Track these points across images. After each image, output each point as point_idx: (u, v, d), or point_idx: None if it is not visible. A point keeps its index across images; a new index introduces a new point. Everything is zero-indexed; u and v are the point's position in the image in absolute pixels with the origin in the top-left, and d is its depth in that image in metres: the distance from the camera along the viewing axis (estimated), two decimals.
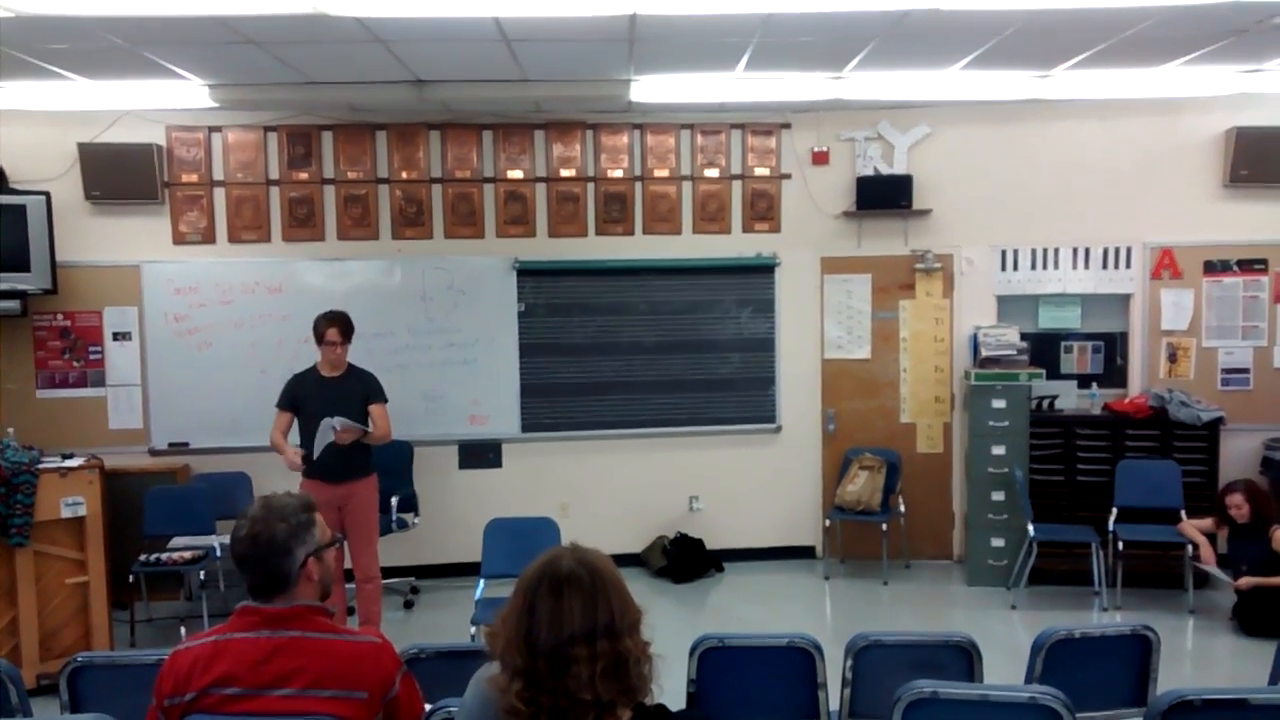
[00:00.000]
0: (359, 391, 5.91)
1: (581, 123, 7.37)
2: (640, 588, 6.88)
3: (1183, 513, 6.71)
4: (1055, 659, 3.46)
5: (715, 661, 3.38)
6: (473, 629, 5.33)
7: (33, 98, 6.21)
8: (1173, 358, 7.55)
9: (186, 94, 6.24)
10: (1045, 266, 7.56)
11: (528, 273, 7.34)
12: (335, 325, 5.81)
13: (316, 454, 5.66)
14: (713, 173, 7.50)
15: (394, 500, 6.87)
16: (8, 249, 6.53)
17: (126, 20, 4.68)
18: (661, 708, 2.11)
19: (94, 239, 7.04)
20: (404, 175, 7.30)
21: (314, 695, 2.41)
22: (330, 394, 5.80)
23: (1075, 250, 7.54)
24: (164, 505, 6.49)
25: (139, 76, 5.88)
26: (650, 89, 6.41)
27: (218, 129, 7.12)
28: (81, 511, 5.51)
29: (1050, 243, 7.54)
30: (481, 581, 5.55)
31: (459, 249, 7.34)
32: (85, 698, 3.24)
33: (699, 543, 7.48)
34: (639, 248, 7.47)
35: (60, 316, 7.05)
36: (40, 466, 5.43)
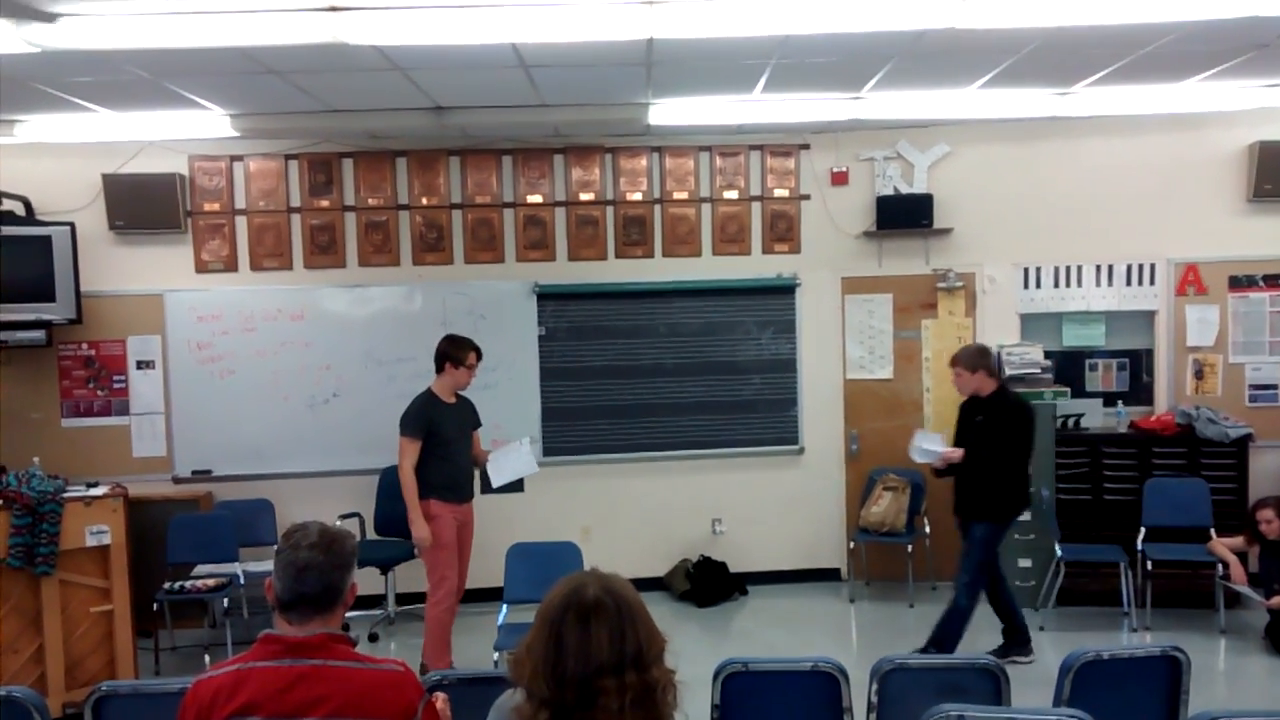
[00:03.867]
0: (472, 418, 6.05)
1: (600, 146, 7.39)
2: (663, 612, 6.85)
3: (1212, 531, 6.63)
4: (1084, 681, 3.41)
5: (739, 687, 3.34)
6: (495, 655, 5.30)
7: (58, 130, 6.28)
8: (1199, 374, 7.47)
9: (208, 124, 6.30)
10: (1068, 284, 7.51)
11: (548, 296, 7.36)
12: (476, 350, 5.92)
13: (504, 481, 5.92)
14: (732, 194, 7.50)
15: None
16: (33, 279, 6.59)
17: (149, 53, 4.73)
18: None
19: (118, 269, 7.10)
20: (424, 201, 7.34)
21: None
22: (456, 419, 5.90)
23: (1099, 267, 7.50)
24: (187, 533, 6.50)
25: (162, 107, 5.95)
26: (668, 112, 6.43)
27: (239, 158, 7.19)
28: (106, 540, 5.54)
29: (1073, 260, 7.50)
30: (504, 607, 5.53)
31: (479, 274, 7.37)
32: None
33: (722, 566, 7.44)
34: (659, 270, 7.48)
35: (85, 346, 7.11)
36: (65, 495, 5.45)
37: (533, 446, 5.90)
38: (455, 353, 5.88)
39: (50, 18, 4.17)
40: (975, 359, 5.85)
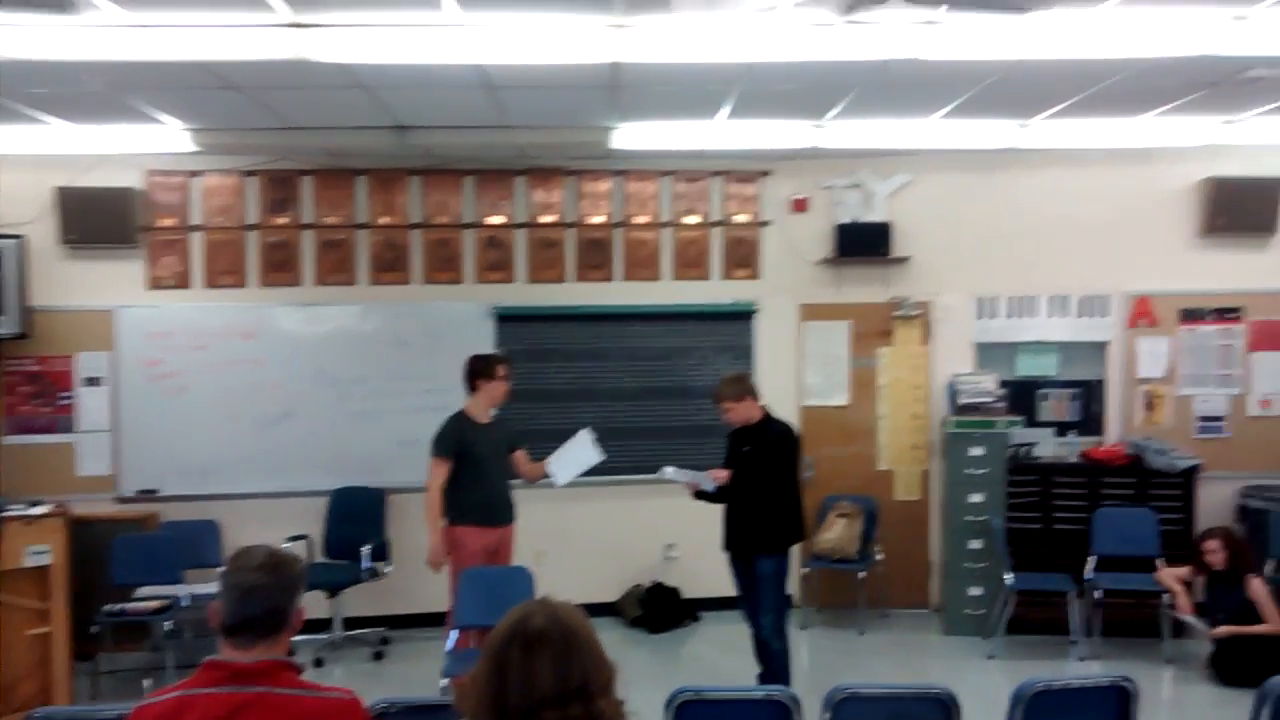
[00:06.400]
0: (507, 437, 5.95)
1: (562, 169, 7.39)
2: (615, 638, 6.81)
3: (1159, 561, 6.70)
4: (1035, 711, 3.43)
5: (692, 715, 3.33)
6: (443, 682, 5.24)
7: (10, 141, 6.19)
8: (1149, 405, 7.58)
9: (166, 138, 6.24)
10: (1023, 314, 7.60)
11: (506, 318, 7.33)
12: (504, 360, 5.86)
13: (570, 477, 5.92)
14: (693, 219, 7.52)
15: (365, 549, 6.78)
16: None
17: (107, 65, 4.68)
18: None
19: (68, 283, 6.98)
20: (383, 220, 7.29)
21: None
22: (491, 439, 5.81)
23: (1053, 298, 7.59)
24: (131, 554, 6.38)
25: (119, 120, 5.88)
26: (632, 136, 6.45)
27: (198, 173, 7.10)
28: (46, 560, 5.41)
29: (1028, 290, 7.59)
30: (453, 633, 5.47)
31: (437, 294, 7.33)
32: None
33: (674, 591, 7.42)
34: (619, 294, 7.47)
35: (31, 361, 6.97)
36: (5, 514, 5.34)
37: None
38: (483, 367, 5.82)
39: None
40: (735, 387, 5.57)
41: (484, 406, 5.83)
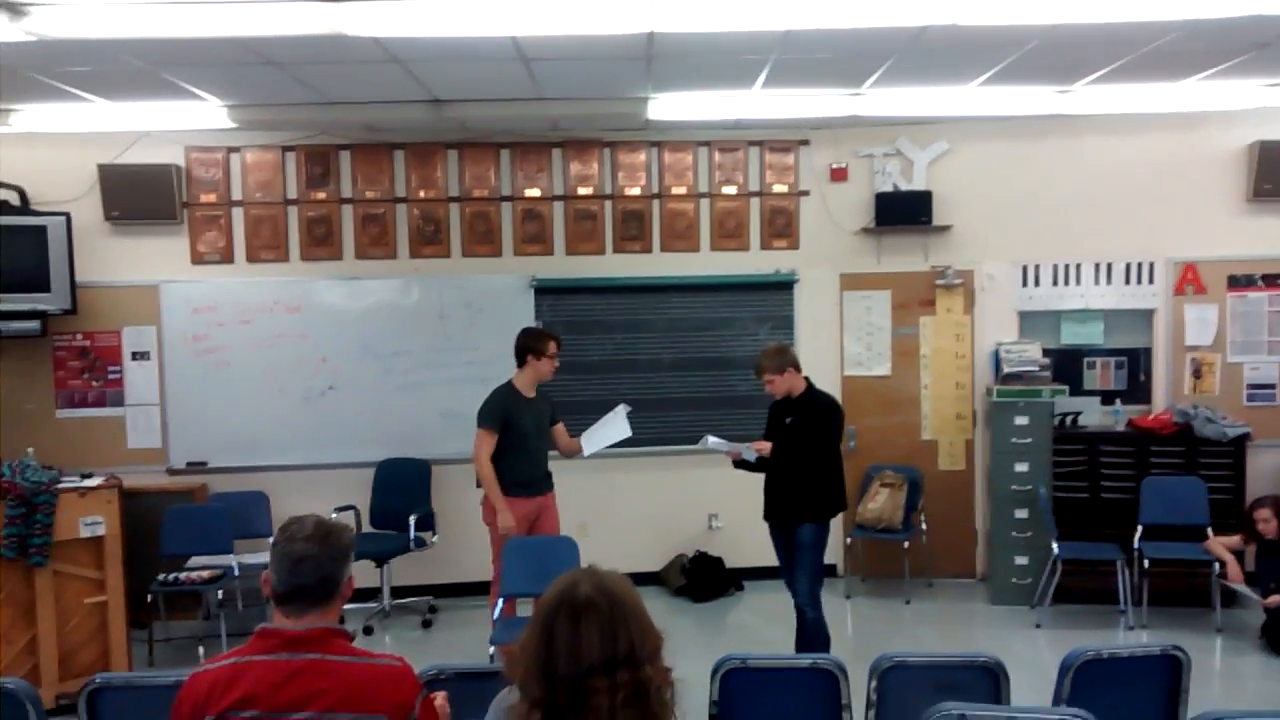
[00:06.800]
0: (549, 411, 5.98)
1: (599, 141, 7.37)
2: (659, 607, 6.84)
3: (1209, 530, 6.63)
4: (1083, 680, 3.39)
5: (738, 683, 3.33)
6: (491, 649, 5.29)
7: (54, 120, 6.24)
8: (1197, 373, 7.47)
9: (205, 115, 6.26)
10: (1067, 282, 7.50)
11: (545, 291, 7.34)
12: (556, 339, 5.88)
13: (596, 449, 5.93)
14: (731, 190, 7.48)
15: (412, 519, 6.85)
16: (28, 270, 6.57)
17: (147, 42, 4.70)
18: None
19: (113, 259, 7.07)
20: (421, 194, 7.31)
21: (333, 718, 2.38)
22: (535, 414, 5.84)
23: (1098, 265, 7.49)
24: (182, 524, 6.48)
25: (159, 98, 5.91)
26: (668, 107, 6.40)
27: (236, 149, 7.16)
28: (100, 531, 5.52)
29: (1072, 258, 7.49)
30: (500, 601, 5.52)
31: (476, 267, 7.35)
32: (104, 718, 3.22)
33: (719, 561, 7.43)
34: (657, 265, 7.46)
35: (80, 337, 7.08)
36: (59, 486, 5.44)
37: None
38: (534, 344, 5.82)
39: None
40: (778, 359, 5.55)
41: (531, 381, 5.84)
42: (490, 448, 5.70)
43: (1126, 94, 6.33)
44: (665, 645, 2.09)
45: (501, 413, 5.73)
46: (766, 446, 5.53)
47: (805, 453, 5.44)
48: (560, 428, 6.03)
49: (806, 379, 5.61)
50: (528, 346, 5.84)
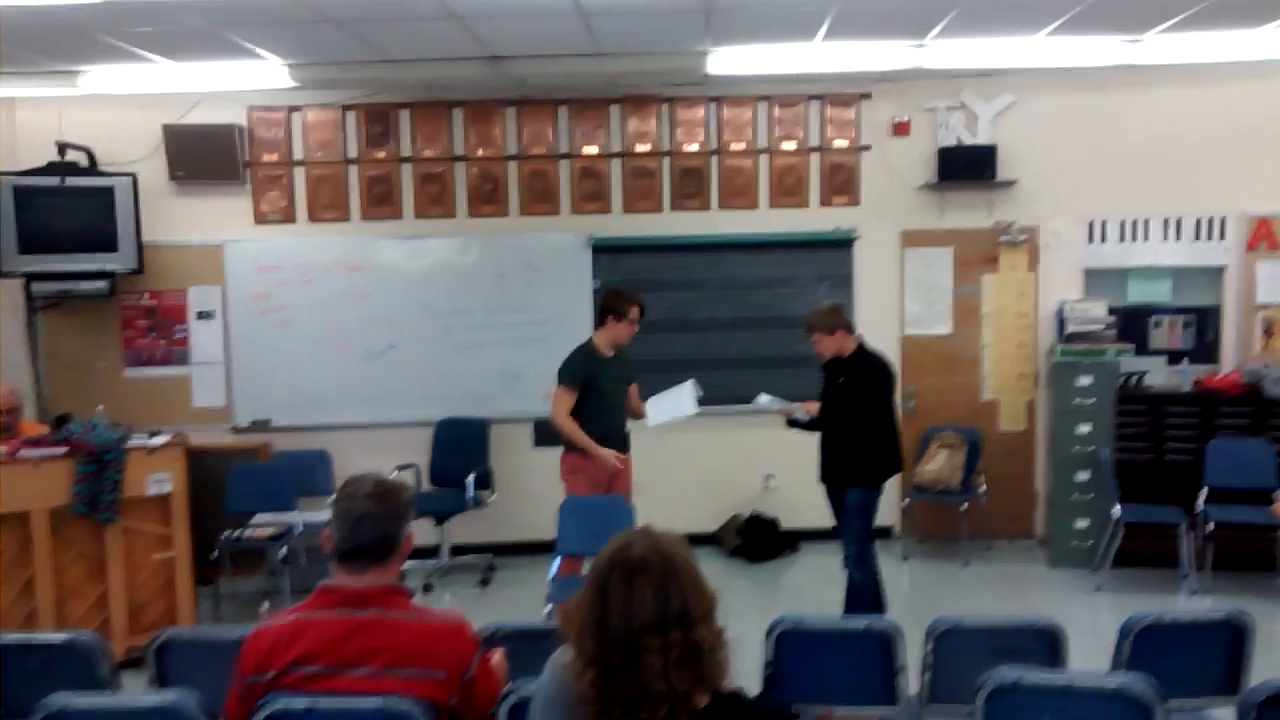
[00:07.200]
0: (627, 372, 5.96)
1: (657, 97, 7.31)
2: (714, 568, 6.86)
3: (1277, 493, 6.47)
4: (1143, 645, 3.35)
5: (792, 644, 3.33)
6: (547, 607, 5.35)
7: (119, 81, 6.33)
8: (1268, 332, 7.28)
9: (266, 74, 6.31)
10: (1135, 238, 7.33)
11: (603, 249, 7.32)
12: (639, 304, 5.83)
13: (660, 421, 5.83)
14: (790, 145, 7.39)
15: (470, 478, 6.92)
16: (96, 230, 6.71)
17: (208, 2, 4.74)
18: (737, 695, 2.07)
19: (178, 219, 7.18)
20: (480, 153, 7.32)
21: (393, 675, 2.43)
22: (614, 373, 5.82)
23: (1166, 221, 7.30)
24: (246, 482, 6.61)
25: (221, 57, 5.97)
26: (727, 61, 6.33)
27: (297, 109, 7.21)
28: (167, 488, 5.63)
29: (1140, 214, 7.31)
30: (556, 560, 5.56)
31: (534, 226, 7.35)
32: (172, 671, 3.31)
33: (774, 522, 7.43)
34: (715, 223, 7.40)
35: (146, 296, 7.21)
36: (128, 444, 5.56)
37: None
38: (618, 305, 5.76)
39: None
40: (829, 319, 5.46)
41: (609, 341, 5.80)
42: (569, 405, 5.68)
43: (1200, 42, 6.13)
44: (719, 606, 2.09)
45: (582, 371, 5.72)
46: (815, 407, 5.51)
47: (852, 414, 5.39)
48: (634, 389, 6.01)
49: (859, 338, 5.54)
50: (609, 307, 5.80)
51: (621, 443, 5.91)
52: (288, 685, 2.44)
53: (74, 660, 3.26)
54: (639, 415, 5.99)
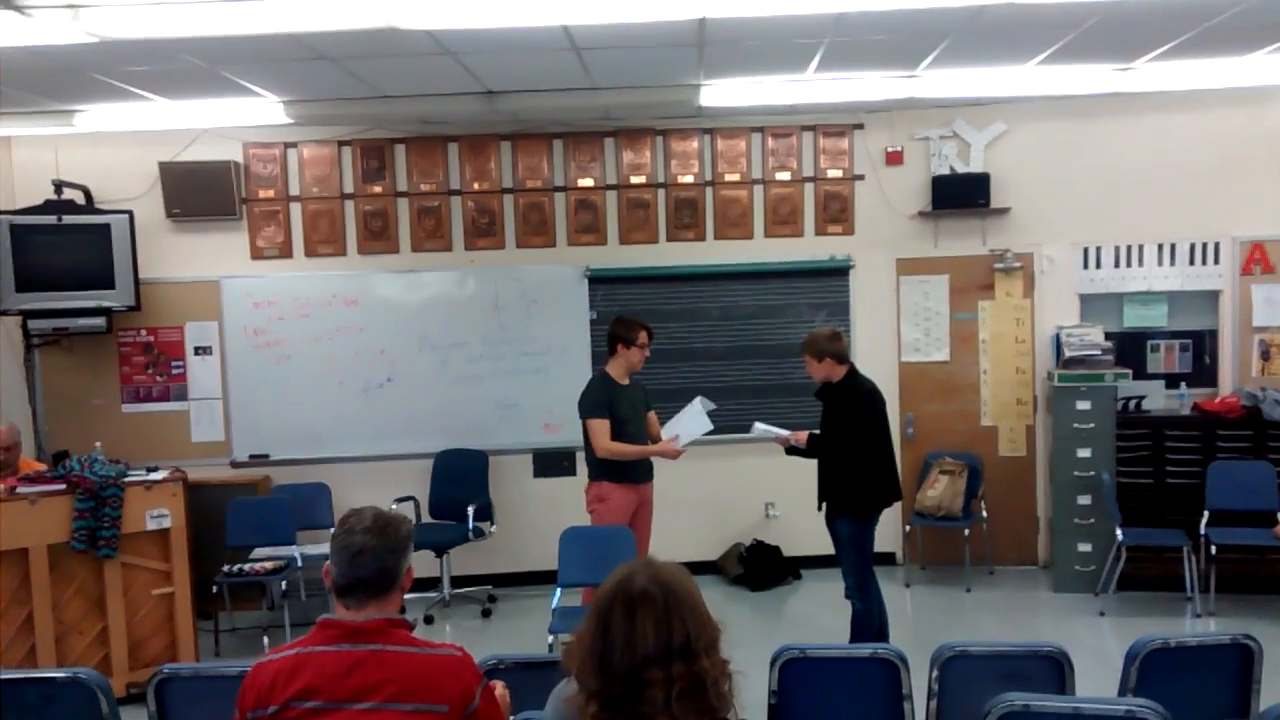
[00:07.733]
0: (644, 398, 6.00)
1: (651, 129, 7.35)
2: (716, 596, 6.83)
3: (1279, 515, 6.47)
4: (1150, 669, 3.33)
5: (797, 673, 3.31)
6: (550, 638, 5.32)
7: (116, 119, 6.35)
8: (1266, 355, 7.29)
9: (262, 111, 6.34)
10: (1129, 264, 7.35)
11: (599, 280, 7.34)
12: (647, 329, 5.88)
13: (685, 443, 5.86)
14: (784, 175, 7.43)
15: (470, 509, 6.90)
16: (94, 267, 6.72)
17: (204, 41, 4.76)
18: None
19: (175, 256, 7.19)
20: (476, 186, 7.35)
21: (395, 709, 2.40)
22: (631, 400, 5.86)
23: (1161, 246, 7.33)
24: (246, 516, 6.58)
25: (216, 95, 5.99)
26: (720, 93, 6.37)
27: (293, 145, 7.24)
28: (166, 523, 5.62)
29: (1134, 239, 7.34)
30: (558, 591, 5.54)
31: (531, 258, 7.37)
32: (172, 707, 3.29)
33: (776, 550, 7.41)
34: (711, 253, 7.43)
35: (144, 332, 7.21)
36: (126, 480, 5.55)
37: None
38: (625, 333, 5.81)
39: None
40: (822, 345, 5.38)
41: (623, 369, 5.83)
42: (607, 431, 5.68)
43: (1189, 70, 6.17)
44: (723, 635, 2.08)
45: (604, 400, 5.75)
46: (803, 436, 5.50)
47: (836, 443, 5.34)
48: (653, 415, 6.04)
49: (850, 366, 5.47)
50: (618, 335, 5.83)
51: (647, 467, 5.93)
52: None
53: (74, 696, 3.24)
54: (657, 440, 5.98)
